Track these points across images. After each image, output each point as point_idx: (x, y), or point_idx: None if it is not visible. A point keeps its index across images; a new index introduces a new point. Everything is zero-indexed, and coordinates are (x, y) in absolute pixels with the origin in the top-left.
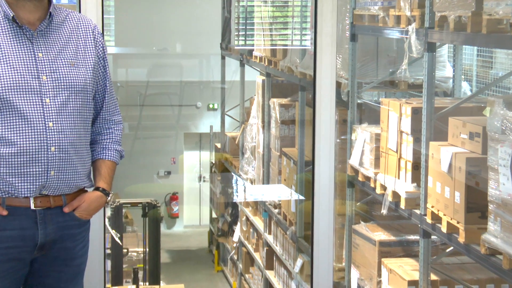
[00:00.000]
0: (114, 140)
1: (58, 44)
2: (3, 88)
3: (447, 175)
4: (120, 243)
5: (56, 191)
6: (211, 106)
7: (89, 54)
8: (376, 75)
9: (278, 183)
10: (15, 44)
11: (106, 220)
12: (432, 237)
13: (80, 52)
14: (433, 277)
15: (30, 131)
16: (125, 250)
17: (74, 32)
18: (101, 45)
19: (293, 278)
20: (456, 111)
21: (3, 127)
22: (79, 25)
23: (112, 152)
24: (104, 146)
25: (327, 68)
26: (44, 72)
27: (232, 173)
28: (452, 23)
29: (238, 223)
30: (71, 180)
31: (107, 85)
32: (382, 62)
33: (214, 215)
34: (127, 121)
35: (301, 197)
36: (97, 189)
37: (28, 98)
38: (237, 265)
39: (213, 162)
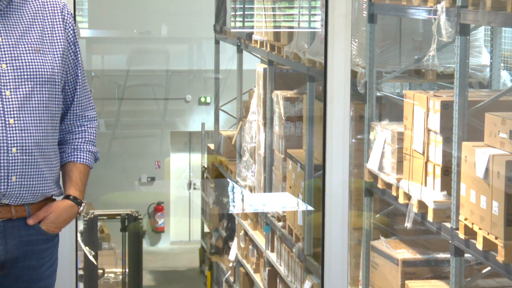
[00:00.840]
0: (87, 139)
1: (20, 26)
2: None
3: (483, 182)
4: (95, 263)
5: (18, 200)
6: (203, 99)
7: (57, 38)
8: (398, 63)
9: (282, 191)
10: None
11: (78, 235)
12: (466, 255)
13: (47, 36)
14: None
15: None
16: (100, 271)
17: (40, 12)
18: (72, 27)
19: None
20: (494, 106)
21: None
22: (46, 4)
23: (84, 154)
24: (75, 146)
25: (341, 55)
26: (4, 59)
27: (228, 179)
28: (489, 1)
29: (235, 239)
30: (36, 187)
31: (79, 74)
32: (405, 48)
33: (206, 229)
34: (103, 118)
35: (310, 208)
36: (67, 197)
37: None
38: None
39: (205, 166)
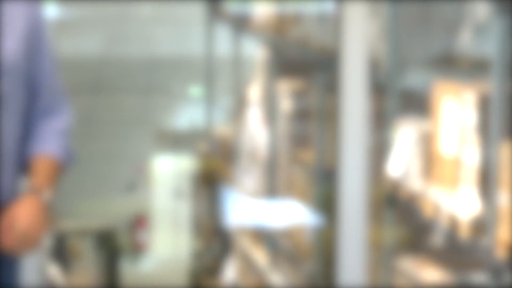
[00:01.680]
0: (56, 129)
1: None
2: None
3: None
4: (64, 286)
5: None
6: (193, 92)
7: (18, 20)
8: (426, 49)
9: (287, 200)
10: None
11: (45, 253)
12: (506, 277)
13: (5, 17)
14: None
15: None
16: None
17: None
18: (35, 6)
19: None
20: None
21: None
22: None
23: (50, 144)
24: (40, 138)
25: (356, 39)
26: None
27: (223, 187)
28: None
29: (231, 258)
30: None
31: (47, 63)
32: (435, 30)
33: (196, 246)
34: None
35: (320, 221)
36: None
37: None
38: None
39: (196, 171)
